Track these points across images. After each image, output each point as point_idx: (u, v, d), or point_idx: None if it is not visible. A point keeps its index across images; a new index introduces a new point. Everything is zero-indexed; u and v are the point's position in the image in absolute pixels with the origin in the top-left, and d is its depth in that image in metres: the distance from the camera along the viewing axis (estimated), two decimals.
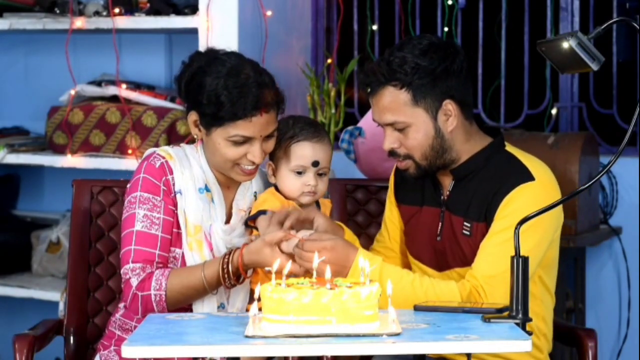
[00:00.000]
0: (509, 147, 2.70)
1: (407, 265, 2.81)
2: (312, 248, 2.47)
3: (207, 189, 2.72)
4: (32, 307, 4.32)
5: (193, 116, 2.68)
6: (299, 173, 2.68)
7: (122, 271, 2.66)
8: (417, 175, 2.69)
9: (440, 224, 2.71)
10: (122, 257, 2.67)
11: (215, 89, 2.60)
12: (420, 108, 2.62)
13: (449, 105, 2.63)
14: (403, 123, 2.62)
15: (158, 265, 2.65)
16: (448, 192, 2.71)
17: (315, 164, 2.67)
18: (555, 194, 2.59)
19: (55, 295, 4.12)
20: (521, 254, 2.29)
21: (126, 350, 2.11)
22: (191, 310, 2.67)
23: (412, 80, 2.59)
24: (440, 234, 2.70)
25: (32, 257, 4.46)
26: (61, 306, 3.98)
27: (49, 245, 4.41)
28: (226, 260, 2.60)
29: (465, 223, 2.64)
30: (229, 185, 2.77)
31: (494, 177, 2.63)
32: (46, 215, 4.58)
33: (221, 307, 2.70)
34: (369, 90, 2.67)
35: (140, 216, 2.66)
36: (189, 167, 2.72)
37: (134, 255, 2.64)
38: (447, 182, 2.72)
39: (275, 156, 2.72)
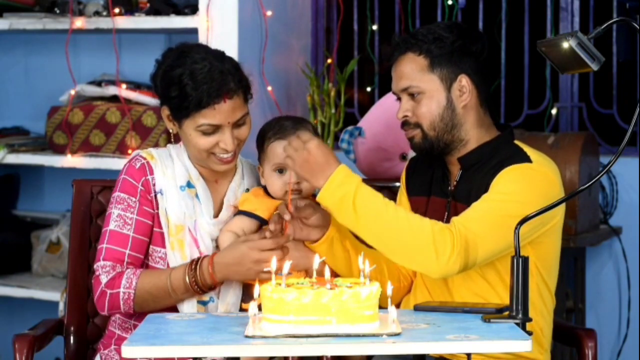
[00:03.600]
0: (518, 142, 2.74)
1: None
2: (294, 144, 2.53)
3: (189, 186, 2.75)
4: (32, 307, 4.32)
5: (165, 111, 2.73)
6: (280, 172, 2.69)
7: (94, 267, 2.70)
8: (422, 147, 2.72)
9: (446, 214, 2.73)
10: (96, 254, 2.72)
11: (180, 81, 2.64)
12: (436, 75, 2.69)
13: (464, 81, 2.69)
14: (417, 88, 2.69)
15: (128, 265, 2.68)
16: (455, 182, 2.74)
17: None
18: (552, 180, 2.62)
19: (55, 295, 4.12)
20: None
21: (126, 350, 2.11)
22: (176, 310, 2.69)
23: (430, 48, 2.68)
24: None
25: (32, 257, 4.46)
26: (61, 306, 3.98)
27: (49, 245, 4.41)
28: (193, 267, 2.63)
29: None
30: (216, 179, 2.79)
31: (497, 165, 2.66)
32: (46, 215, 4.58)
33: (211, 301, 2.70)
34: (388, 61, 2.75)
35: (115, 216, 2.70)
36: (171, 166, 2.75)
37: (105, 254, 2.68)
38: (455, 172, 2.76)
39: (260, 158, 2.75)
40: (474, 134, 2.72)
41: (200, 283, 2.62)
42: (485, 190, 2.62)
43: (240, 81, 2.68)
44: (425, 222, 2.53)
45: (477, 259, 2.52)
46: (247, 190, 2.81)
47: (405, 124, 2.74)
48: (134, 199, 2.70)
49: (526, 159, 2.64)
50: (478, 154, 2.71)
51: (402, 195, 2.90)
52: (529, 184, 2.57)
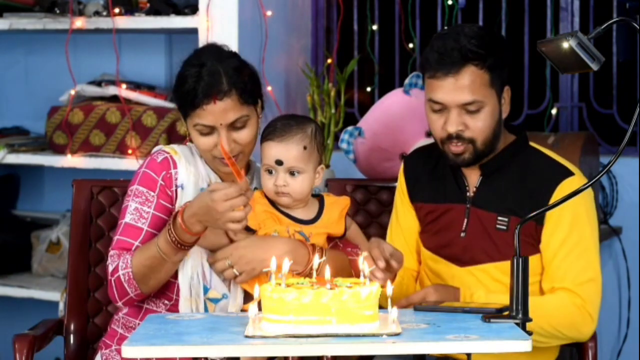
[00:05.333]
0: (532, 144, 2.76)
1: (417, 262, 2.86)
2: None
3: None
4: (32, 307, 4.32)
5: (180, 111, 2.74)
6: (270, 172, 2.66)
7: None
8: (469, 163, 2.69)
9: (465, 220, 2.72)
10: (111, 243, 2.71)
11: (182, 81, 2.65)
12: (494, 90, 2.66)
13: (507, 93, 2.70)
14: (480, 103, 2.64)
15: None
16: (475, 189, 2.72)
17: (279, 162, 2.63)
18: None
19: (55, 295, 4.12)
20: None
21: (126, 350, 2.12)
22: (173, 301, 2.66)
23: (491, 63, 2.63)
24: (465, 230, 2.72)
25: (32, 257, 4.46)
26: (61, 306, 3.98)
27: (49, 245, 4.41)
28: (170, 227, 2.57)
29: (500, 218, 2.66)
30: (232, 180, 2.69)
31: (528, 173, 2.68)
32: (46, 215, 4.58)
33: (224, 297, 2.67)
34: (439, 69, 2.63)
35: (132, 209, 2.68)
36: (194, 163, 2.72)
37: (116, 244, 2.67)
38: (474, 179, 2.74)
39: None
40: (500, 143, 2.73)
41: (181, 240, 2.56)
42: (533, 204, 2.60)
43: (235, 82, 2.63)
44: (559, 299, 2.66)
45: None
46: (255, 189, 2.76)
47: (456, 137, 2.66)
48: (152, 193, 2.68)
49: (565, 171, 2.68)
50: (499, 160, 2.71)
51: (404, 204, 2.88)
52: (591, 208, 2.69)
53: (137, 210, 2.67)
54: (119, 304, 2.68)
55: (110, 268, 2.65)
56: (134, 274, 2.61)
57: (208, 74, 2.62)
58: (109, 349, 2.77)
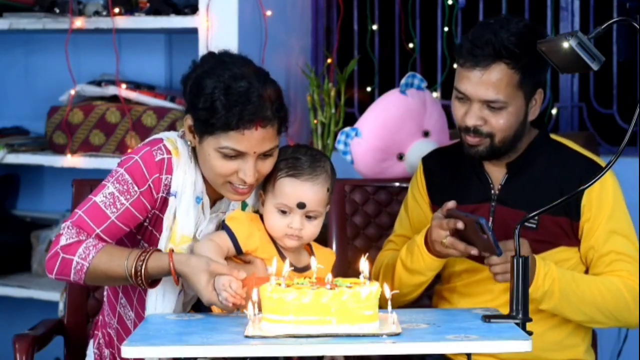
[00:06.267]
0: (553, 136, 2.76)
1: None
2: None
3: (202, 199, 2.56)
4: (32, 307, 4.32)
5: (188, 120, 2.50)
6: (283, 212, 2.47)
7: (62, 225, 2.51)
8: (484, 156, 2.67)
9: (490, 219, 2.70)
10: (71, 213, 2.53)
11: (211, 94, 2.41)
12: (522, 92, 2.62)
13: (539, 95, 2.66)
14: (503, 103, 2.60)
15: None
16: (500, 186, 2.70)
17: (301, 205, 2.45)
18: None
19: (55, 295, 4.12)
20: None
21: (126, 350, 2.12)
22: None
23: (525, 64, 2.59)
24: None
25: (32, 257, 4.45)
26: (61, 306, 3.98)
27: (48, 245, 4.41)
28: (142, 258, 2.43)
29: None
30: (222, 196, 2.59)
31: (556, 170, 2.67)
32: (46, 215, 4.58)
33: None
34: (468, 59, 2.60)
35: (108, 192, 2.49)
36: (194, 168, 2.54)
37: (77, 219, 2.48)
38: (499, 176, 2.72)
39: (266, 187, 2.52)
40: (525, 140, 2.71)
41: (144, 275, 2.42)
42: (539, 193, 2.63)
43: (279, 110, 2.45)
44: (613, 280, 2.63)
45: None
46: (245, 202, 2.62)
47: (474, 131, 2.64)
48: (137, 189, 2.48)
49: (594, 165, 2.67)
50: (526, 158, 2.69)
51: (424, 204, 2.86)
52: (620, 194, 2.72)
53: (112, 196, 2.48)
54: (51, 276, 2.51)
55: (63, 241, 2.46)
56: (88, 272, 2.44)
57: (256, 97, 2.41)
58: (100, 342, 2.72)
